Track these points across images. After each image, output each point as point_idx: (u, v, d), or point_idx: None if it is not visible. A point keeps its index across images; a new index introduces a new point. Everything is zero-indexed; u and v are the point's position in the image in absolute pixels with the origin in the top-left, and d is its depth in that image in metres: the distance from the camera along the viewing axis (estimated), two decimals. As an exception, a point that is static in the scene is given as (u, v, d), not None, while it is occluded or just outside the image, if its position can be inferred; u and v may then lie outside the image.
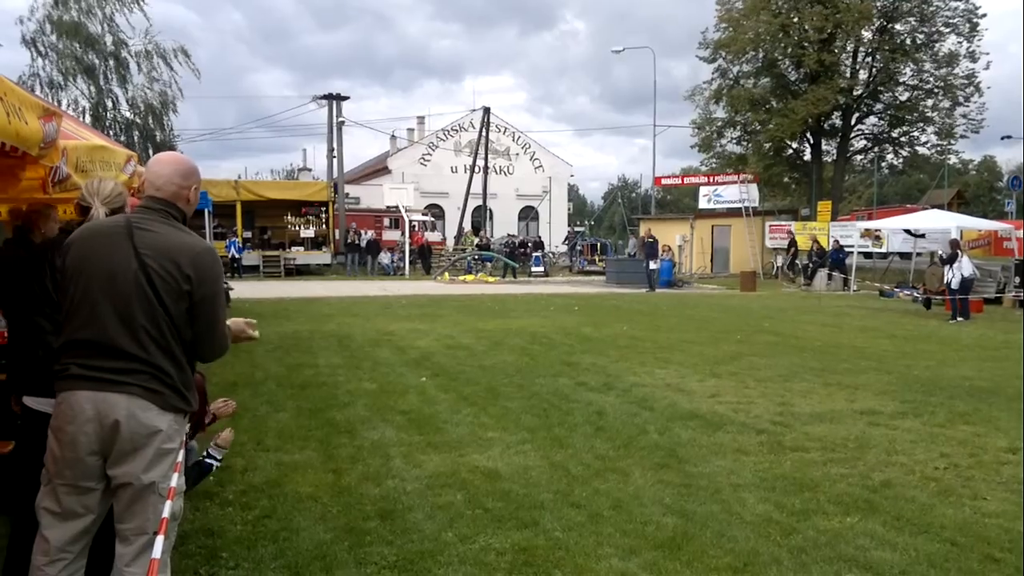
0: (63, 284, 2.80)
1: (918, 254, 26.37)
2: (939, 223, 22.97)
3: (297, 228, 33.39)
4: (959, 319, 15.98)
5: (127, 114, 36.92)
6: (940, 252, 18.96)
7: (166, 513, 2.56)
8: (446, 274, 32.47)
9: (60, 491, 2.70)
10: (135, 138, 35.56)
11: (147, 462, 2.65)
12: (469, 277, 31.93)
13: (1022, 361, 10.29)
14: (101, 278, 2.68)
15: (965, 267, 16.55)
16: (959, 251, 16.91)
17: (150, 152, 35.31)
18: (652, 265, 25.70)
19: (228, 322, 4.06)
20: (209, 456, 4.25)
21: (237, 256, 30.09)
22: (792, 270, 30.02)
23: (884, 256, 29.66)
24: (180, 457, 2.83)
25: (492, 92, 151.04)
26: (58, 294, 2.95)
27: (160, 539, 2.39)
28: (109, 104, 36.43)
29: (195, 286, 2.71)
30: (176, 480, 2.74)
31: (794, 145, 38.35)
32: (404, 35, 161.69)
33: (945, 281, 17.00)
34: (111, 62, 35.77)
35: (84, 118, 31.16)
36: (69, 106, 33.21)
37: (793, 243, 30.68)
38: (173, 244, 2.73)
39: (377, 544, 4.14)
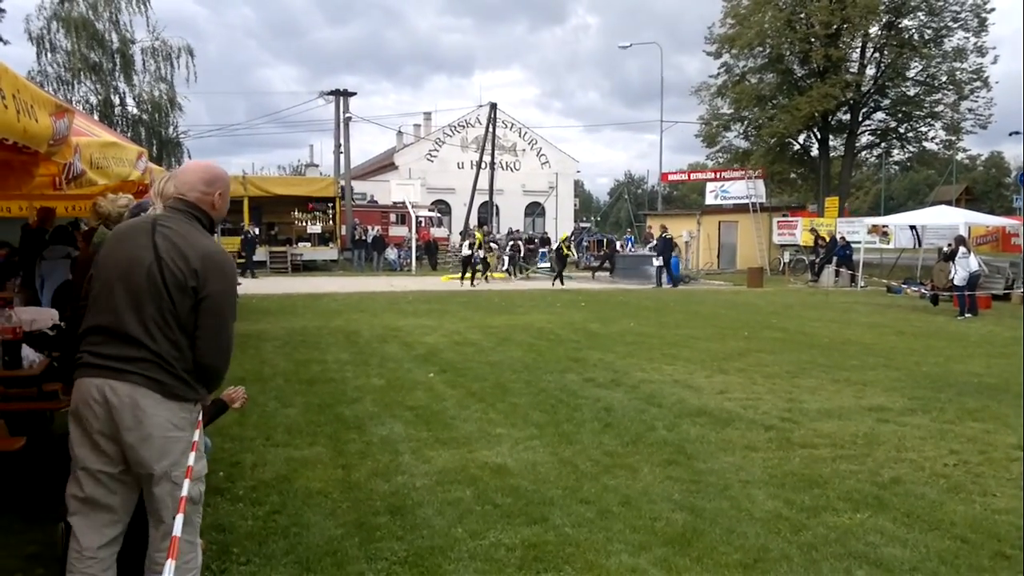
0: (93, 276, 2.94)
1: (926, 250, 26.27)
2: (947, 219, 22.87)
3: (304, 224, 33.43)
4: (967, 315, 15.93)
5: (134, 111, 37.08)
6: (944, 248, 18.89)
7: (184, 492, 2.63)
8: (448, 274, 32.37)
9: (82, 477, 2.80)
10: (142, 134, 35.69)
11: (156, 451, 2.75)
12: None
13: (1023, 358, 10.28)
14: (121, 269, 2.83)
15: (971, 263, 16.49)
16: (961, 247, 16.81)
17: (155, 148, 35.47)
18: (656, 262, 25.63)
19: (226, 392, 4.05)
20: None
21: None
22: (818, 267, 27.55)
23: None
24: (196, 438, 2.88)
25: (501, 87, 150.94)
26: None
27: (180, 517, 2.48)
28: (116, 101, 36.61)
29: (201, 283, 2.80)
30: (193, 460, 2.83)
31: (800, 140, 38.24)
32: (413, 29, 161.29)
33: (949, 277, 16.94)
34: (117, 59, 35.92)
35: (93, 115, 31.25)
36: (79, 103, 33.36)
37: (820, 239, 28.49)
38: (188, 242, 2.86)
39: (387, 540, 4.16)
